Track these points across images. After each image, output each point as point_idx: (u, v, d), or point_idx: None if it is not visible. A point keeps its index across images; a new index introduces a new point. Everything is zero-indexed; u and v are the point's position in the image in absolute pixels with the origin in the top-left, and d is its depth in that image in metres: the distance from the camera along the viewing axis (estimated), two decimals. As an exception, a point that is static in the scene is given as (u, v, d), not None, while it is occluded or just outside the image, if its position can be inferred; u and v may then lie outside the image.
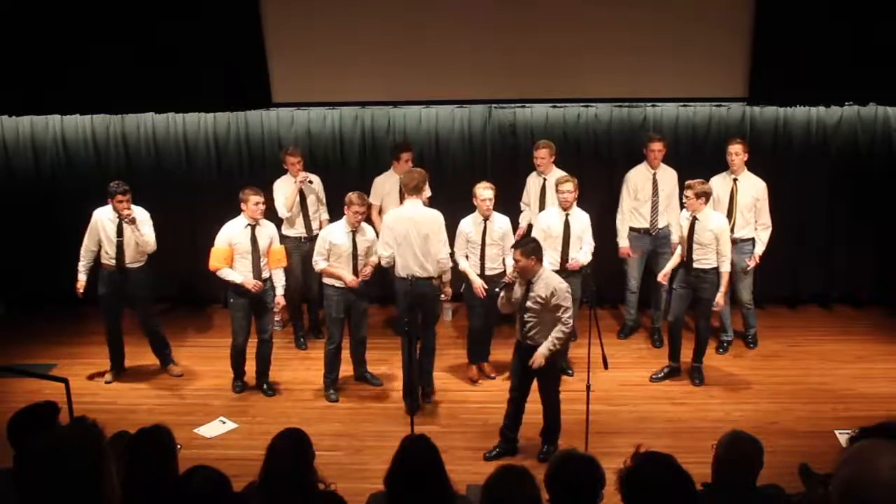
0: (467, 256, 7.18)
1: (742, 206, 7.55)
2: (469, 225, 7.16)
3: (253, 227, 7.01)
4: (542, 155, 7.66)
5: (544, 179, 7.75)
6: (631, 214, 7.89)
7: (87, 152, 8.74)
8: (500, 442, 6.35)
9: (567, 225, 7.15)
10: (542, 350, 5.92)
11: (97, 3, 7.86)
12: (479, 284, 7.04)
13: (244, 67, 8.08)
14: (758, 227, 7.62)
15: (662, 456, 2.98)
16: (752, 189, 7.55)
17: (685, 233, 7.05)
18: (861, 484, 2.00)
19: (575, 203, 7.17)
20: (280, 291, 7.22)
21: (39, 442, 2.19)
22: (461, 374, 7.56)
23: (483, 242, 7.10)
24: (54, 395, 4.86)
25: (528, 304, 5.94)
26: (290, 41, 8.11)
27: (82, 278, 7.31)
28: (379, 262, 7.01)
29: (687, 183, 7.00)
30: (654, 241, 7.90)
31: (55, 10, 7.86)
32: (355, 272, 6.99)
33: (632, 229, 7.90)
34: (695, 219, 6.95)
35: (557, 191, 7.14)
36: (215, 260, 6.99)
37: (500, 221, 7.14)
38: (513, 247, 6.19)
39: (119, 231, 7.18)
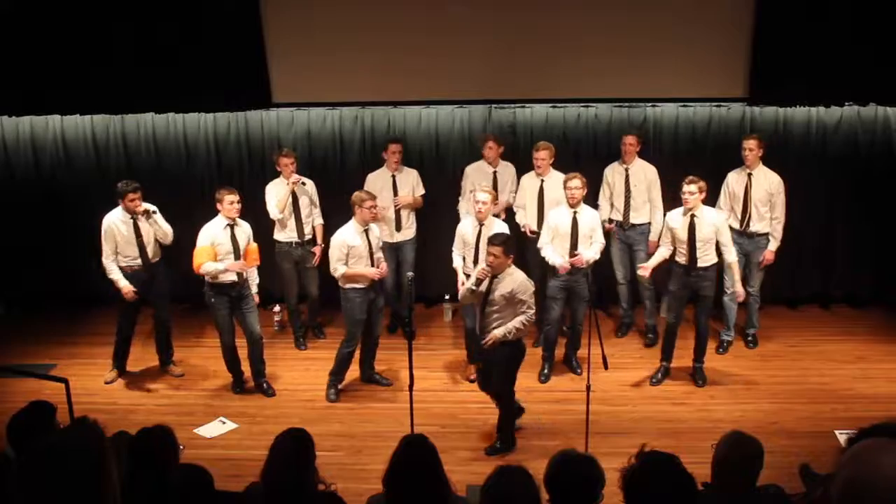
0: (464, 258, 7.19)
1: (756, 200, 7.60)
2: (468, 226, 7.18)
3: (232, 227, 7.02)
4: (543, 156, 7.63)
5: (542, 181, 7.74)
6: (609, 207, 7.97)
7: (87, 152, 8.73)
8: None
9: (575, 222, 7.14)
10: (499, 332, 6.06)
11: (97, 3, 7.86)
12: (460, 284, 7.06)
13: (244, 67, 8.07)
14: (772, 222, 7.66)
15: (667, 456, 2.98)
16: (767, 183, 7.59)
17: (683, 234, 7.01)
18: (862, 483, 2.00)
19: (583, 201, 7.18)
20: (254, 289, 7.25)
21: (41, 442, 2.19)
22: (461, 374, 7.56)
23: (477, 246, 7.07)
24: (54, 395, 4.87)
25: (494, 297, 6.06)
26: (290, 41, 8.10)
27: (125, 283, 7.19)
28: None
29: (689, 178, 6.96)
30: (627, 236, 7.94)
31: (55, 10, 7.86)
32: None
33: (612, 221, 7.97)
34: (693, 216, 6.95)
35: (565, 187, 7.12)
36: (199, 258, 6.95)
37: (498, 227, 7.09)
38: (490, 241, 6.15)
39: (137, 231, 7.18)
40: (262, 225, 7.85)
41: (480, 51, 7.99)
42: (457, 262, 7.21)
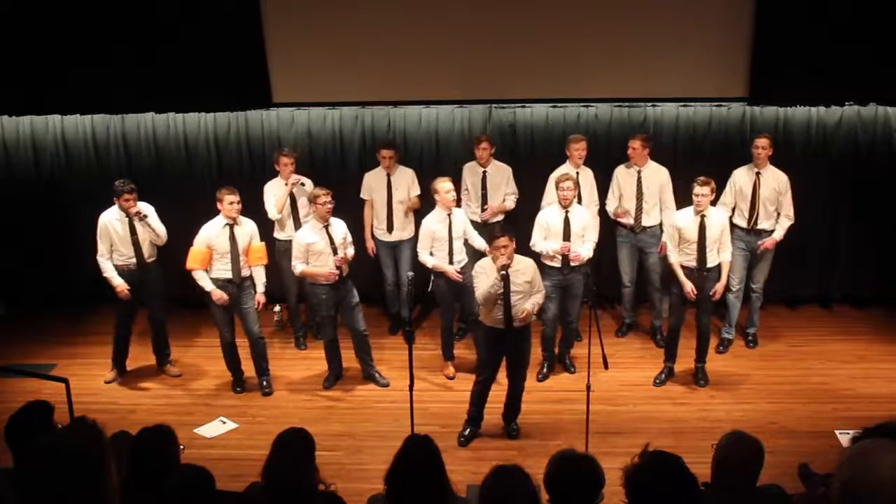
0: (432, 253, 7.21)
1: (764, 198, 7.59)
2: (433, 222, 7.21)
3: (231, 227, 7.02)
4: (582, 147, 7.66)
5: (577, 174, 7.70)
6: (616, 206, 7.90)
7: (87, 152, 8.73)
8: (472, 427, 6.60)
9: (567, 222, 7.14)
10: (529, 307, 6.21)
11: (97, 3, 7.86)
12: (452, 270, 7.16)
13: (244, 67, 8.07)
14: (782, 218, 7.65)
15: (670, 456, 2.98)
16: (775, 182, 7.59)
17: (692, 235, 6.97)
18: (862, 483, 2.00)
19: (575, 200, 7.21)
20: (261, 289, 7.22)
21: (40, 442, 2.18)
22: (461, 373, 7.54)
23: (450, 237, 7.17)
24: (54, 395, 4.86)
25: (520, 286, 6.17)
26: (290, 41, 8.10)
27: (120, 281, 7.21)
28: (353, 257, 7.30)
29: (701, 179, 6.94)
30: (638, 240, 7.89)
31: (55, 10, 7.85)
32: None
33: (620, 225, 7.90)
34: (703, 217, 6.94)
35: (558, 188, 7.14)
36: (192, 261, 7.03)
37: (459, 214, 7.28)
38: (500, 232, 6.22)
39: (132, 229, 7.19)
40: (263, 224, 7.82)
41: (481, 51, 7.99)
42: (430, 260, 7.18)
